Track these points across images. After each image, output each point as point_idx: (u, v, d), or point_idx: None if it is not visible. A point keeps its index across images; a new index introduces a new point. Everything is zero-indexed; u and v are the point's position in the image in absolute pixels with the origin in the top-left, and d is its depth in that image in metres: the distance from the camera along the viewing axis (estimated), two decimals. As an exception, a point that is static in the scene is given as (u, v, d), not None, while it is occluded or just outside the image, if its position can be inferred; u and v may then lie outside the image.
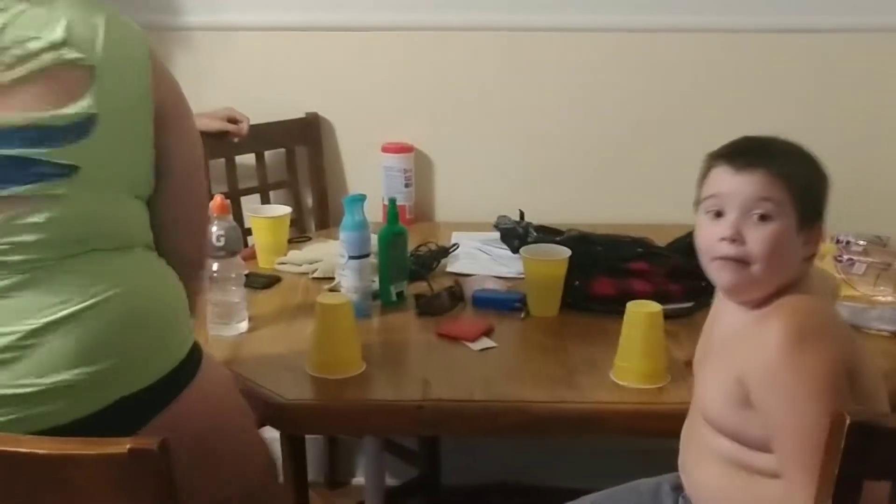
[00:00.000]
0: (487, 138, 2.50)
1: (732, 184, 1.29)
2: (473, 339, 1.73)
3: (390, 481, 2.46)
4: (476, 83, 2.47)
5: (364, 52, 2.46)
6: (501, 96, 2.47)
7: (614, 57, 2.44)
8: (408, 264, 1.96)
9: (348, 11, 2.43)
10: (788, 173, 1.28)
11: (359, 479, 2.62)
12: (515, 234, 2.10)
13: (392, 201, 1.95)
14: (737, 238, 1.28)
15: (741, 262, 1.28)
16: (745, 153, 1.31)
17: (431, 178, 2.52)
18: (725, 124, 2.34)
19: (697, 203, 1.36)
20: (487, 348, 1.71)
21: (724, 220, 1.29)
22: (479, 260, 2.11)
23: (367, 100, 2.49)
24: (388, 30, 2.44)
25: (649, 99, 2.46)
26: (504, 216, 2.19)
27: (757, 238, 1.27)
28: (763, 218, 1.27)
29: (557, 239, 1.98)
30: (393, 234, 1.89)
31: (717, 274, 1.32)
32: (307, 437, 2.32)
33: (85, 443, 0.97)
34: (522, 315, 1.85)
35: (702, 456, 1.36)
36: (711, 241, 1.31)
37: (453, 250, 2.14)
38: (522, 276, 1.91)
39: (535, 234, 2.05)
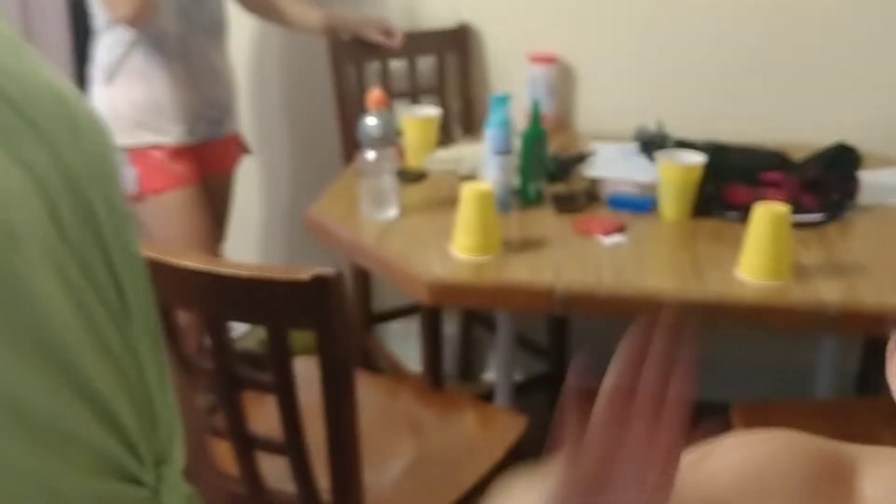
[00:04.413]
0: (630, 52, 2.56)
1: None
2: (607, 234, 1.84)
3: (519, 378, 2.61)
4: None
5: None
6: (645, 11, 2.54)
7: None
8: (548, 165, 2.08)
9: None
10: None
11: (489, 376, 2.79)
12: (653, 145, 2.19)
13: (535, 103, 2.06)
14: None
15: None
16: None
17: (574, 88, 2.61)
18: (877, 49, 2.39)
19: None
20: (619, 243, 1.82)
21: None
22: (617, 166, 2.20)
23: (515, 11, 2.59)
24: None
25: (797, 19, 2.47)
26: (643, 127, 2.29)
27: None
28: None
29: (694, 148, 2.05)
30: (535, 135, 2.01)
31: None
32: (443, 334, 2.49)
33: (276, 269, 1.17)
34: (655, 214, 1.94)
35: None
36: None
37: (592, 155, 2.25)
38: (652, 183, 2.00)
39: (672, 144, 2.14)
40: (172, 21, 2.12)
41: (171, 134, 2.16)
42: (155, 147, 2.15)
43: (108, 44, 2.12)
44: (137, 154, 2.14)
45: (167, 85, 2.14)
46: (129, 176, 2.14)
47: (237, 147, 2.40)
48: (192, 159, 2.21)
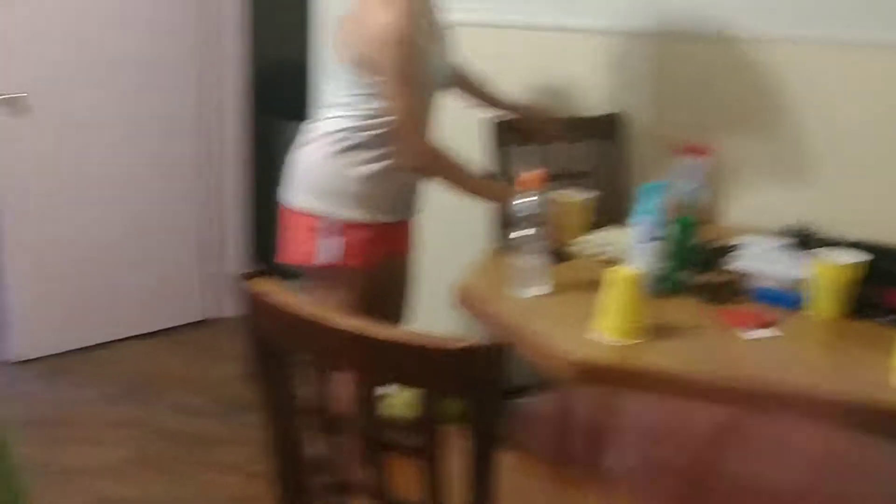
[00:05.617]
0: (782, 148, 2.57)
1: None
2: (753, 328, 1.84)
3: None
4: (775, 95, 2.56)
5: (670, 59, 2.64)
6: (799, 109, 2.55)
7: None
8: (695, 255, 2.09)
9: (661, 22, 2.61)
10: None
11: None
12: (801, 241, 2.18)
13: (688, 195, 2.09)
14: None
15: None
16: None
17: (724, 181, 2.62)
18: None
19: None
20: (765, 337, 1.81)
21: None
22: (764, 260, 2.19)
23: (668, 102, 2.65)
24: (693, 41, 2.60)
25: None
26: (791, 223, 2.28)
27: None
28: None
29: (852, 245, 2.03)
30: (686, 225, 2.03)
31: None
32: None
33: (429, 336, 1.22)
34: (801, 311, 1.93)
35: None
36: None
37: (739, 248, 2.24)
38: (802, 280, 1.98)
39: (819, 242, 2.12)
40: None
41: (382, 214, 2.25)
42: (368, 225, 2.23)
43: (354, 124, 2.20)
44: (350, 227, 2.23)
45: (396, 168, 2.22)
46: (333, 245, 2.22)
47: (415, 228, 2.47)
48: (387, 238, 2.29)
